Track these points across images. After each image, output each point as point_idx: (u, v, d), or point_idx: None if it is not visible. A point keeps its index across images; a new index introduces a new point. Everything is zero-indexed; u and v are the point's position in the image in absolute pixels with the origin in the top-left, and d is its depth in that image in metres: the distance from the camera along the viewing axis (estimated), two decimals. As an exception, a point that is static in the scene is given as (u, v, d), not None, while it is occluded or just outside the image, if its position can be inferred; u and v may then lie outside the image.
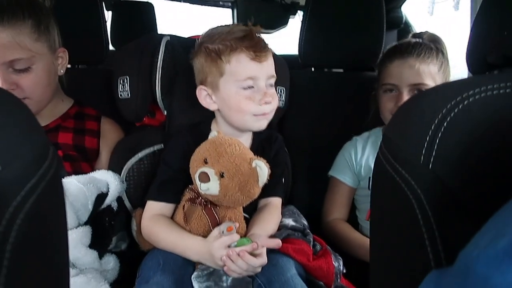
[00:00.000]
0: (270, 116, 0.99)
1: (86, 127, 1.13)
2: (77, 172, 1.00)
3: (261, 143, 1.07)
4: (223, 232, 0.84)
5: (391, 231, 0.48)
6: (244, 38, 0.94)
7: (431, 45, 1.12)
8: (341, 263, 0.96)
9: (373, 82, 1.26)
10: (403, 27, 1.82)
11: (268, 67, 0.96)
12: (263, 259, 0.84)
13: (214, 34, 0.97)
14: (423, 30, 1.22)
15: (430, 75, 1.09)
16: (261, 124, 0.98)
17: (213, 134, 0.96)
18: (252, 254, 0.83)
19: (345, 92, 1.43)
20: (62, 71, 1.08)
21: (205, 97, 1.00)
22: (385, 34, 1.41)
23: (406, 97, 1.08)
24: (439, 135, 0.44)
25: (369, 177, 1.17)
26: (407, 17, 1.84)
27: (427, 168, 0.43)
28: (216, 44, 0.95)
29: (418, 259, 0.42)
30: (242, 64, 0.94)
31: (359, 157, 1.21)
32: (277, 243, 0.86)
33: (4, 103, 0.40)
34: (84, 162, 1.08)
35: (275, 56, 1.13)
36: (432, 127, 0.44)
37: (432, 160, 0.43)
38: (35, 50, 0.96)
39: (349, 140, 1.26)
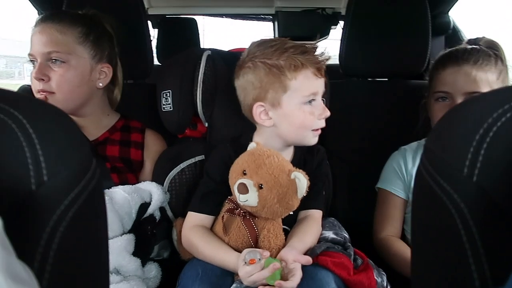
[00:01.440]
0: (319, 132, 1.02)
1: (132, 139, 1.18)
2: (123, 183, 1.04)
3: (303, 156, 1.06)
4: (245, 263, 0.83)
5: (433, 248, 0.45)
6: (307, 53, 0.95)
7: (489, 52, 1.05)
8: (385, 278, 0.92)
9: (419, 90, 1.22)
10: (451, 33, 1.74)
11: (323, 83, 1.00)
12: (298, 276, 0.82)
13: (268, 49, 0.96)
14: (479, 36, 1.15)
15: (488, 83, 1.01)
16: (316, 139, 1.01)
17: (252, 145, 0.96)
18: (282, 274, 0.82)
19: (390, 102, 1.38)
20: (101, 84, 1.12)
21: (260, 113, 0.99)
22: (431, 41, 1.36)
23: None
24: (485, 145, 0.41)
25: (413, 188, 1.11)
26: (455, 23, 1.76)
27: (471, 180, 0.40)
28: (275, 59, 0.94)
29: (462, 278, 0.40)
30: (308, 80, 0.96)
31: (410, 167, 1.14)
32: (307, 260, 0.84)
33: (51, 116, 0.42)
34: (130, 173, 1.13)
35: None
36: (477, 137, 0.42)
37: (476, 172, 0.41)
38: (74, 50, 1.05)
39: (397, 150, 1.20)
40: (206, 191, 1.00)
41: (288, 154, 1.04)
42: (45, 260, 0.35)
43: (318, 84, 0.97)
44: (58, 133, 0.42)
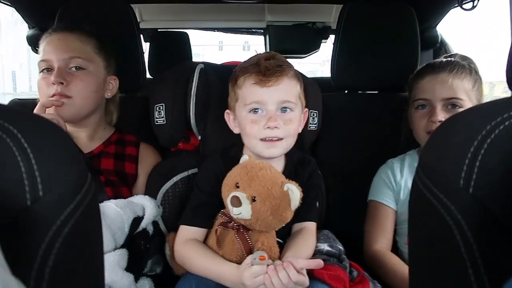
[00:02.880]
0: (283, 144, 0.99)
1: (126, 152, 1.17)
2: (117, 197, 1.03)
3: (294, 167, 1.06)
4: (255, 259, 0.83)
5: (431, 260, 0.46)
6: (255, 64, 0.97)
7: (464, 63, 1.11)
8: (380, 291, 0.92)
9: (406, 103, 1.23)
10: (439, 47, 1.78)
11: (279, 92, 0.96)
12: (305, 278, 0.81)
13: (242, 62, 1.03)
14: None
15: (464, 90, 1.07)
16: (271, 152, 0.98)
17: (244, 158, 0.96)
18: None
19: (380, 114, 1.40)
20: (109, 94, 1.18)
21: (229, 120, 1.07)
22: (420, 54, 1.39)
23: (439, 112, 1.05)
24: (479, 157, 0.42)
25: (409, 201, 1.12)
26: (443, 37, 1.80)
27: (467, 192, 0.41)
28: (237, 71, 1.01)
29: (461, 289, 0.40)
30: (249, 89, 0.98)
31: (398, 178, 1.16)
32: (318, 263, 0.83)
33: (47, 131, 0.42)
34: (124, 187, 1.12)
35: (305, 80, 1.14)
36: (472, 149, 0.42)
37: (472, 183, 0.41)
38: (93, 58, 1.11)
39: (384, 163, 1.22)
40: (197, 203, 0.99)
41: (280, 165, 1.04)
42: (41, 277, 0.34)
43: (261, 93, 0.96)
44: (53, 148, 0.41)
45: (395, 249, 1.16)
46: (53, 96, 1.04)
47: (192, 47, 2.41)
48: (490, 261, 0.38)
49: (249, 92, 0.98)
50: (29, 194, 0.37)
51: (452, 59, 1.13)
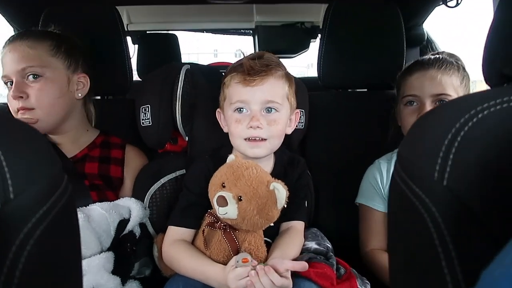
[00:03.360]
0: (267, 145, 0.98)
1: (112, 155, 1.16)
2: (102, 201, 1.02)
3: (284, 167, 1.06)
4: (238, 261, 0.82)
5: (408, 253, 0.46)
6: (242, 64, 0.98)
7: (452, 60, 1.12)
8: (369, 287, 0.92)
9: (394, 101, 1.24)
10: (426, 44, 1.79)
11: (263, 92, 0.96)
12: (289, 281, 0.81)
13: (233, 63, 1.03)
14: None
15: (453, 86, 1.07)
16: (255, 152, 0.97)
17: (231, 158, 0.96)
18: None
19: (368, 112, 1.40)
20: (80, 94, 1.12)
21: (220, 119, 1.07)
22: (405, 52, 1.39)
23: (428, 108, 1.06)
24: (453, 150, 0.42)
25: (388, 194, 1.12)
26: (429, 34, 1.81)
27: (441, 184, 0.41)
28: (227, 70, 1.02)
29: (435, 282, 0.40)
30: (234, 88, 0.98)
31: (385, 180, 1.16)
32: (303, 265, 0.83)
33: (19, 133, 0.42)
34: (110, 191, 1.10)
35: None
36: (446, 142, 0.42)
37: (446, 176, 0.41)
38: (48, 63, 1.05)
39: (372, 164, 1.22)
40: (185, 204, 0.99)
41: (268, 165, 1.04)
42: (11, 281, 0.34)
43: (245, 93, 0.96)
44: (26, 150, 0.41)
45: None
46: (17, 110, 1.02)
47: (188, 54, 2.41)
48: (464, 253, 0.38)
49: (234, 91, 0.98)
50: (-1, 196, 0.36)
51: (440, 56, 1.14)
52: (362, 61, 1.38)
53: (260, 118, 0.96)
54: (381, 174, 1.18)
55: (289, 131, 1.07)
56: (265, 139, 0.97)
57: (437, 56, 1.14)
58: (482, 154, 0.41)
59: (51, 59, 1.06)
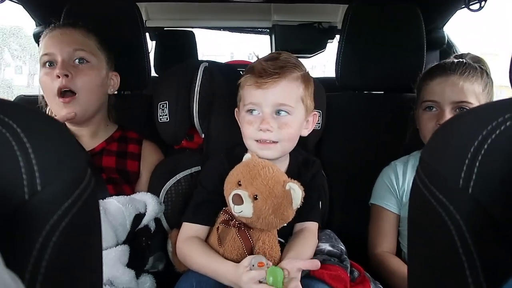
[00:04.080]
0: (277, 147, 0.97)
1: (128, 150, 1.17)
2: (119, 194, 1.03)
3: (298, 167, 1.06)
4: (253, 265, 0.82)
5: (429, 261, 0.45)
6: (255, 65, 0.97)
7: (475, 65, 1.08)
8: (382, 292, 0.91)
9: (413, 103, 1.23)
10: (446, 48, 1.76)
11: (275, 95, 0.94)
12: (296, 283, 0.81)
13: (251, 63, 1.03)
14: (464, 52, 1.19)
15: (474, 94, 1.04)
16: (265, 153, 0.96)
17: (247, 156, 0.96)
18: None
19: (385, 115, 1.39)
20: (112, 90, 1.17)
21: (238, 118, 1.07)
22: (425, 55, 1.38)
23: (448, 115, 1.03)
24: (479, 157, 0.41)
25: (409, 200, 1.11)
26: (450, 37, 1.78)
27: (467, 192, 0.40)
28: (244, 71, 1.02)
29: (458, 290, 0.39)
30: (247, 90, 0.98)
31: (401, 182, 1.15)
32: (315, 264, 0.83)
33: (46, 127, 0.42)
34: (126, 185, 1.12)
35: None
36: (472, 150, 0.42)
37: (472, 184, 0.41)
38: (96, 52, 1.11)
39: (387, 165, 1.21)
40: (199, 201, 0.99)
41: (283, 165, 1.04)
42: (37, 271, 0.35)
43: (257, 95, 0.95)
44: (52, 143, 0.42)
45: (398, 250, 1.15)
46: (58, 90, 1.02)
47: (205, 57, 2.42)
48: (489, 263, 0.38)
49: (247, 92, 0.99)
50: (27, 188, 0.37)
51: (464, 60, 1.11)
52: (381, 63, 1.37)
53: (271, 121, 0.95)
54: (396, 176, 1.17)
55: (306, 133, 1.05)
56: (276, 142, 0.96)
57: (461, 60, 1.10)
58: (508, 163, 0.40)
59: (98, 51, 1.12)
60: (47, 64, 1.07)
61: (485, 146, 0.41)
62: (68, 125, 1.10)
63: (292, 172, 1.02)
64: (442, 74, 1.08)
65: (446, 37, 1.74)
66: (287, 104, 0.96)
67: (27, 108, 0.42)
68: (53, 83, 1.04)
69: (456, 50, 1.80)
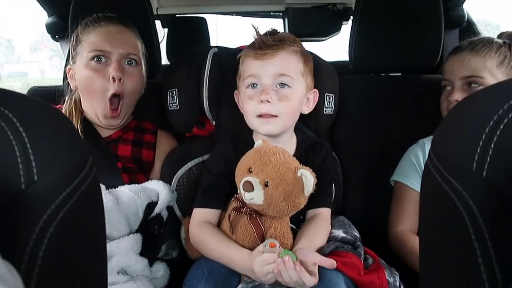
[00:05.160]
0: (278, 122, 0.96)
1: (144, 139, 1.17)
2: (133, 184, 1.03)
3: (305, 151, 1.04)
4: (265, 246, 0.82)
5: (441, 246, 0.43)
6: (254, 41, 0.97)
7: (493, 40, 1.06)
8: (397, 278, 0.89)
9: (432, 85, 1.21)
10: (466, 26, 1.69)
11: (275, 65, 0.95)
12: (316, 278, 0.79)
13: None
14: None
15: (486, 68, 1.03)
16: (267, 128, 0.96)
17: (258, 142, 0.95)
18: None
19: (402, 97, 1.35)
20: (142, 91, 1.16)
21: (238, 101, 1.07)
22: (443, 34, 1.32)
23: (458, 91, 1.05)
24: (495, 139, 0.39)
25: (421, 184, 1.08)
26: (470, 15, 1.70)
27: (480, 175, 0.38)
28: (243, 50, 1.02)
29: (471, 278, 0.37)
30: (246, 63, 0.98)
31: None
32: (331, 263, 0.80)
33: (43, 115, 0.42)
34: (141, 174, 1.12)
35: (321, 63, 1.11)
36: (487, 130, 0.39)
37: (486, 167, 0.38)
38: (141, 56, 1.12)
39: (415, 143, 1.17)
40: (207, 186, 1.00)
41: (290, 148, 1.02)
42: (34, 261, 0.34)
43: (256, 67, 0.95)
44: (50, 132, 0.41)
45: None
46: (112, 95, 1.03)
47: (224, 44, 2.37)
48: (503, 251, 0.35)
49: (246, 66, 0.99)
50: (24, 178, 0.37)
51: (481, 37, 1.10)
52: (397, 44, 1.32)
53: (271, 92, 0.94)
54: (424, 154, 1.13)
55: (306, 111, 1.05)
56: (276, 116, 0.95)
57: (481, 38, 1.10)
58: None
59: (142, 56, 1.13)
60: (95, 58, 1.05)
61: (501, 127, 0.39)
62: (90, 117, 1.11)
63: (300, 156, 1.00)
64: (454, 52, 1.11)
65: (466, 15, 1.67)
66: (287, 75, 0.96)
67: (24, 97, 0.42)
68: (104, 83, 1.03)
69: (476, 29, 1.72)
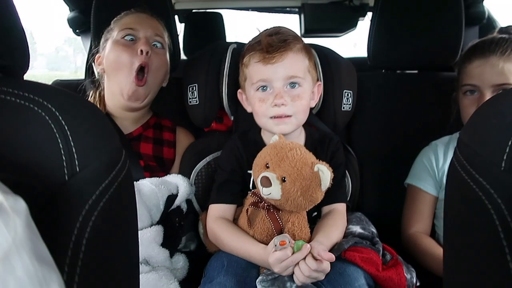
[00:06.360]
0: (292, 121, 0.97)
1: (164, 138, 1.19)
2: None
3: (314, 145, 1.05)
4: (276, 245, 0.82)
5: (467, 245, 0.44)
6: (259, 41, 0.97)
7: None
8: (414, 275, 0.90)
9: (450, 82, 1.18)
10: (486, 23, 1.66)
11: (285, 68, 0.95)
12: (325, 264, 0.80)
13: (249, 41, 1.03)
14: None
15: None
16: (281, 128, 0.97)
17: (274, 138, 0.96)
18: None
19: (420, 95, 1.34)
20: (165, 83, 1.21)
21: (242, 100, 1.09)
22: (463, 31, 1.31)
23: None
24: None
25: (446, 183, 1.08)
26: (490, 12, 1.68)
27: (509, 174, 0.39)
28: (244, 50, 1.03)
29: (499, 278, 0.38)
30: (254, 68, 0.98)
31: (441, 163, 1.11)
32: (329, 257, 0.80)
33: (83, 110, 0.43)
34: (162, 172, 1.12)
35: (339, 59, 1.11)
36: None
37: None
38: (166, 44, 1.17)
39: (427, 145, 1.17)
40: (221, 182, 1.02)
41: (299, 143, 1.02)
42: (78, 250, 0.36)
43: (266, 71, 0.96)
44: (89, 126, 0.43)
45: (433, 232, 1.13)
46: (138, 66, 1.05)
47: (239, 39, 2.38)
48: (532, 248, 0.36)
49: (254, 70, 0.98)
50: (67, 169, 0.38)
51: (506, 36, 1.03)
52: (416, 41, 1.31)
53: (284, 95, 0.96)
54: (436, 156, 1.13)
55: (313, 104, 1.06)
56: (290, 116, 0.97)
57: (502, 37, 1.03)
58: None
59: (167, 45, 1.17)
60: (126, 37, 1.09)
61: None
62: (115, 108, 1.13)
63: (309, 150, 1.00)
64: (481, 55, 1.02)
65: (487, 12, 1.64)
66: (297, 76, 0.97)
67: (64, 91, 0.43)
68: (132, 58, 1.06)
69: (497, 26, 1.69)
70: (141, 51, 1.05)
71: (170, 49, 1.20)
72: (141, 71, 1.07)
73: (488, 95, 0.99)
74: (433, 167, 1.12)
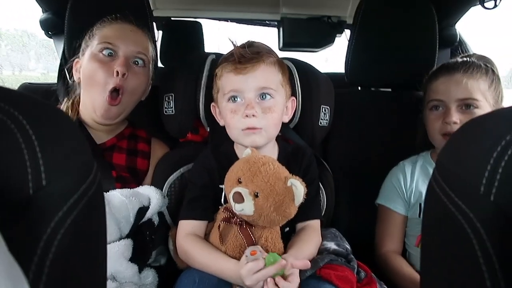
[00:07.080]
0: (263, 133, 0.96)
1: (139, 148, 1.15)
2: None
3: (287, 158, 1.04)
4: (246, 256, 0.81)
5: (445, 268, 0.44)
6: (231, 53, 0.97)
7: (480, 63, 1.08)
8: (387, 293, 0.90)
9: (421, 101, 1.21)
10: (457, 46, 1.73)
11: (256, 79, 0.94)
12: (296, 281, 0.79)
13: (224, 55, 1.03)
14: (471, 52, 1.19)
15: (480, 91, 1.05)
16: (252, 139, 0.96)
17: (247, 152, 0.94)
18: (283, 275, 0.80)
19: (394, 113, 1.37)
20: (144, 96, 1.16)
21: (215, 113, 1.07)
22: (437, 52, 1.35)
23: (454, 113, 1.04)
24: (503, 163, 0.39)
25: (420, 204, 1.11)
26: (461, 35, 1.75)
27: (488, 199, 0.39)
28: (218, 63, 1.03)
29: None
30: (226, 78, 0.97)
31: (409, 183, 1.15)
32: (304, 263, 0.81)
33: (53, 119, 0.41)
34: (134, 184, 1.08)
35: (318, 75, 1.12)
36: (495, 155, 0.40)
37: (494, 190, 0.39)
38: (150, 59, 1.12)
39: (396, 165, 1.20)
40: (192, 197, 0.98)
41: (271, 155, 1.01)
42: (41, 270, 0.33)
43: (237, 81, 0.95)
44: (59, 137, 0.40)
45: (404, 250, 1.15)
46: (112, 88, 1.01)
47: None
48: (510, 273, 0.36)
49: (226, 81, 0.97)
50: (32, 183, 0.35)
51: (468, 59, 1.11)
52: (392, 60, 1.35)
53: (255, 106, 0.94)
54: (404, 177, 1.16)
55: (286, 119, 1.05)
56: (261, 128, 0.95)
57: (465, 59, 1.11)
58: None
59: (150, 60, 1.12)
60: (104, 51, 1.04)
61: (509, 151, 0.39)
62: (88, 119, 1.08)
63: (282, 163, 0.99)
64: (446, 73, 1.09)
65: (458, 35, 1.71)
66: (269, 87, 0.96)
67: (34, 98, 0.40)
68: (107, 76, 1.01)
69: (466, 48, 1.76)
70: (117, 72, 1.00)
71: (154, 60, 1.16)
72: (116, 91, 1.03)
73: (453, 109, 1.05)
74: (401, 187, 1.15)
